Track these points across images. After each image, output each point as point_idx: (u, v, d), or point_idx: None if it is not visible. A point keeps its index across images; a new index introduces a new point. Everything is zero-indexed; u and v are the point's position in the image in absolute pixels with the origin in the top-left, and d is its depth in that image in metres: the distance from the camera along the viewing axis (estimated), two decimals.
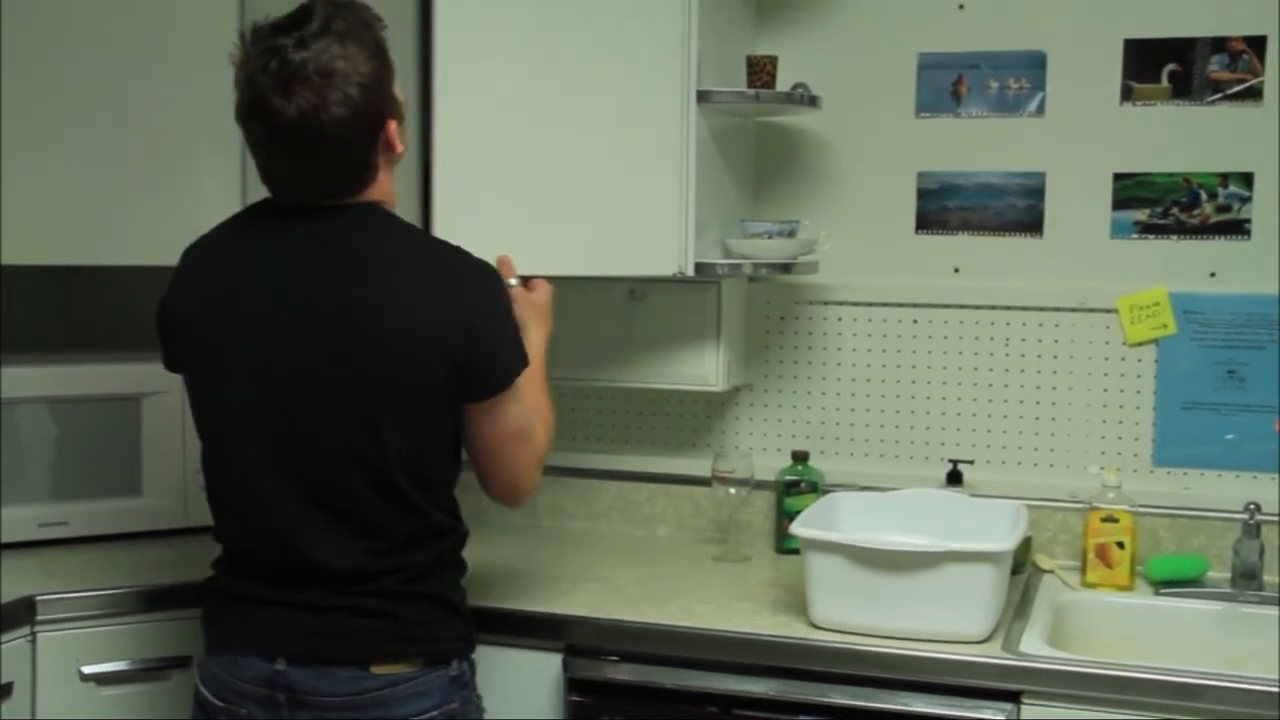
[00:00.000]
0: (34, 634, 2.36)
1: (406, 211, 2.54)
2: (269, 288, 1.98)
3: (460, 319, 1.95)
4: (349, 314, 1.94)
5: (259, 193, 2.78)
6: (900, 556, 2.21)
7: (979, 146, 2.79)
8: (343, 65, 1.86)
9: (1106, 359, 2.73)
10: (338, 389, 1.94)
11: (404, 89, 2.06)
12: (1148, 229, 2.71)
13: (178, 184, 2.76)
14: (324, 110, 1.86)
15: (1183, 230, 2.69)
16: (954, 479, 2.74)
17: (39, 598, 2.37)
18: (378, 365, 1.93)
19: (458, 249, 2.03)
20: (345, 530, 1.99)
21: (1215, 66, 2.64)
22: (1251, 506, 2.52)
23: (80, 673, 2.38)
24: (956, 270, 2.82)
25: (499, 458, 2.08)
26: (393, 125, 1.97)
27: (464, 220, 2.60)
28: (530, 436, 2.10)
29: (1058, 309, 2.75)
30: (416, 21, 2.63)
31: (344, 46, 1.87)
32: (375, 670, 1.99)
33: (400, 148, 2.01)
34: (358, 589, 2.00)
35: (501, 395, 2.01)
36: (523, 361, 2.04)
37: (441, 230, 2.60)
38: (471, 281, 2.00)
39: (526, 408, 2.08)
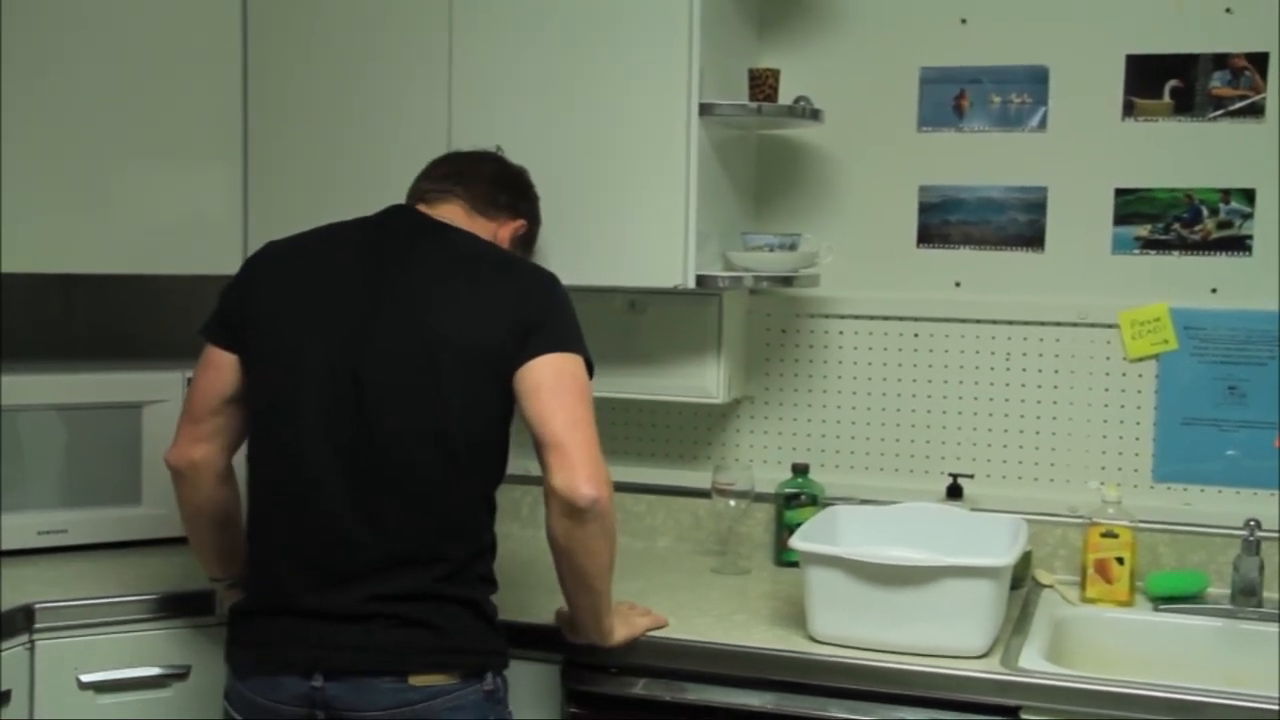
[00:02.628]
0: (32, 641, 2.36)
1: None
2: (366, 267, 2.11)
3: (530, 300, 2.10)
4: (434, 291, 2.08)
5: (261, 204, 2.81)
6: (900, 571, 2.21)
7: (981, 161, 2.79)
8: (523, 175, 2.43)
9: (1107, 374, 2.73)
10: (415, 354, 2.03)
11: None
12: (1149, 244, 2.71)
13: (179, 193, 2.77)
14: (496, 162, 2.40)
15: (1184, 246, 2.69)
16: (954, 493, 2.73)
17: (38, 605, 2.37)
18: (452, 335, 2.04)
19: (535, 263, 2.29)
20: (393, 502, 2.02)
21: (1217, 83, 2.65)
22: (1251, 523, 2.52)
23: (78, 681, 2.38)
24: (958, 284, 2.82)
25: (555, 396, 2.05)
26: (515, 226, 2.34)
27: None
28: (590, 409, 2.09)
29: (1059, 324, 2.75)
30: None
31: (531, 187, 2.44)
32: (414, 682, 2.00)
33: (506, 238, 2.32)
34: (394, 589, 2.01)
35: (556, 355, 2.06)
36: (580, 348, 2.10)
37: None
38: (546, 281, 2.16)
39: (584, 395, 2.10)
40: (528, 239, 2.41)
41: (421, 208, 2.25)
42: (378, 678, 2.00)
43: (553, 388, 2.05)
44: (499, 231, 2.31)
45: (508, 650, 2.15)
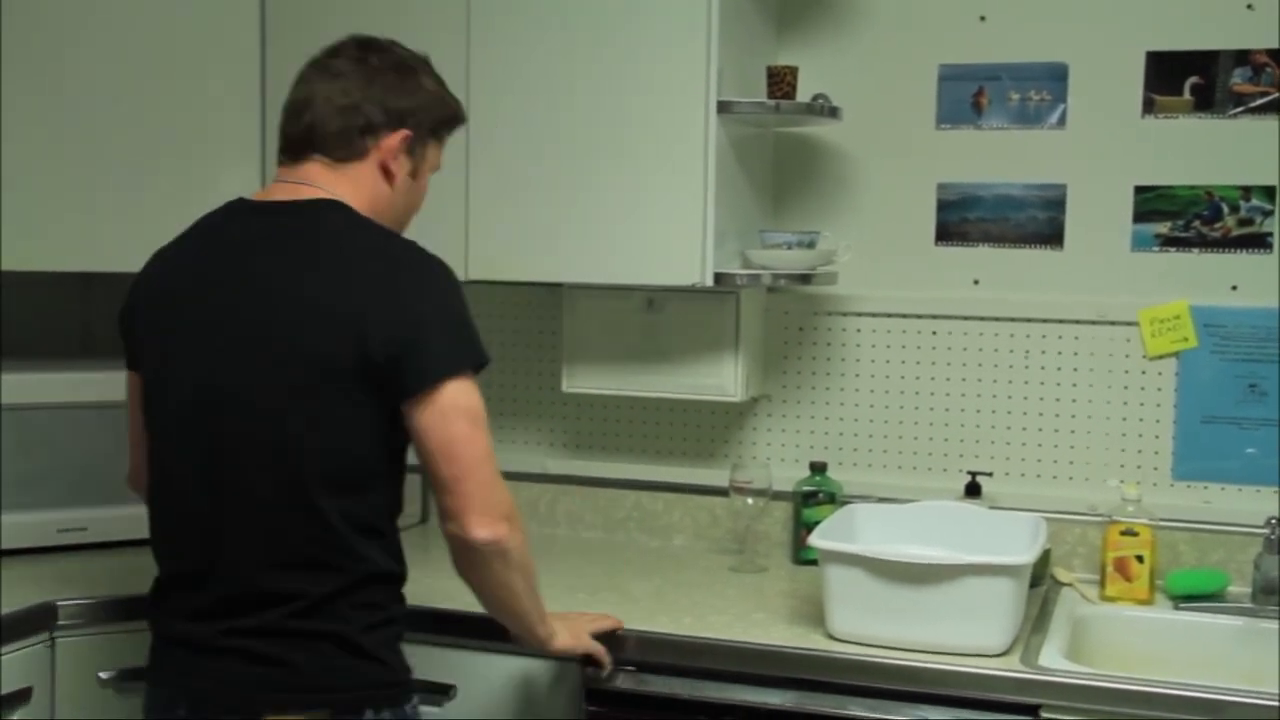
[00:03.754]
0: (53, 639, 2.37)
1: (451, 226, 2.61)
2: (213, 273, 1.96)
3: (393, 314, 1.86)
4: (277, 296, 1.90)
5: None
6: (919, 569, 2.20)
7: (999, 158, 2.78)
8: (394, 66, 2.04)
9: (1127, 372, 2.72)
10: (256, 371, 1.88)
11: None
12: (1169, 242, 2.70)
13: (195, 189, 2.76)
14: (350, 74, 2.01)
15: (1204, 243, 2.68)
16: (973, 491, 2.73)
17: (58, 603, 2.38)
18: (296, 349, 1.87)
19: (414, 246, 1.97)
20: (247, 535, 1.90)
21: (1238, 79, 2.63)
22: (1272, 521, 2.50)
23: (99, 678, 2.39)
24: (976, 282, 2.81)
25: (444, 443, 1.87)
26: (398, 140, 2.00)
27: (491, 229, 2.64)
28: (482, 440, 1.91)
29: (1078, 321, 2.74)
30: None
31: (403, 67, 2.05)
32: None
33: (395, 171, 2.01)
34: (248, 624, 1.89)
35: (438, 391, 1.86)
36: (459, 364, 1.89)
37: (473, 238, 2.62)
38: (415, 277, 1.92)
39: (475, 430, 1.90)
40: (435, 128, 2.07)
41: (282, 172, 2.02)
42: (230, 714, 1.89)
43: (440, 432, 1.87)
44: (384, 160, 2.00)
45: (402, 682, 1.99)
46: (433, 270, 1.94)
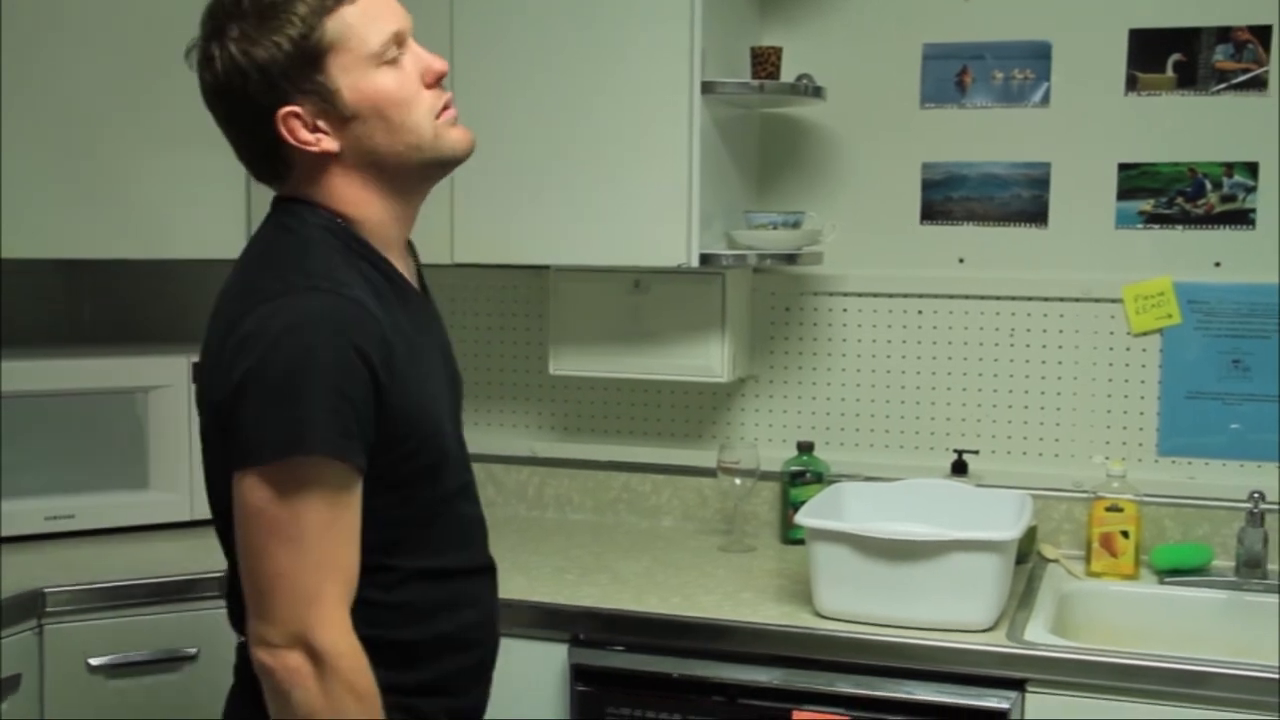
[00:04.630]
0: (41, 626, 2.37)
1: (437, 210, 2.55)
2: None
3: (222, 371, 1.54)
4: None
5: (263, 189, 2.81)
6: (905, 546, 2.21)
7: (984, 137, 2.79)
8: (237, 34, 1.58)
9: (1111, 349, 2.73)
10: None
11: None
12: (1152, 219, 2.70)
13: (182, 178, 2.76)
14: (204, 69, 1.63)
15: (1187, 220, 2.69)
16: (959, 469, 2.74)
17: (46, 590, 2.38)
18: (199, 398, 1.67)
19: (284, 276, 1.56)
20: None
21: (1220, 56, 2.64)
22: (1256, 495, 2.52)
23: (87, 665, 2.39)
24: (961, 261, 2.82)
25: (239, 539, 1.54)
26: (285, 118, 1.60)
27: (476, 212, 2.64)
28: (273, 553, 1.51)
29: (1062, 299, 2.75)
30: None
31: (253, 20, 1.58)
32: None
33: (324, 144, 1.61)
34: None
35: (238, 477, 1.52)
36: (255, 452, 1.49)
37: (458, 222, 2.61)
38: (257, 324, 1.52)
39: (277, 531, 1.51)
40: (316, 53, 1.58)
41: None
42: None
43: (237, 526, 1.54)
44: (305, 148, 1.61)
45: None
46: (278, 317, 1.51)
